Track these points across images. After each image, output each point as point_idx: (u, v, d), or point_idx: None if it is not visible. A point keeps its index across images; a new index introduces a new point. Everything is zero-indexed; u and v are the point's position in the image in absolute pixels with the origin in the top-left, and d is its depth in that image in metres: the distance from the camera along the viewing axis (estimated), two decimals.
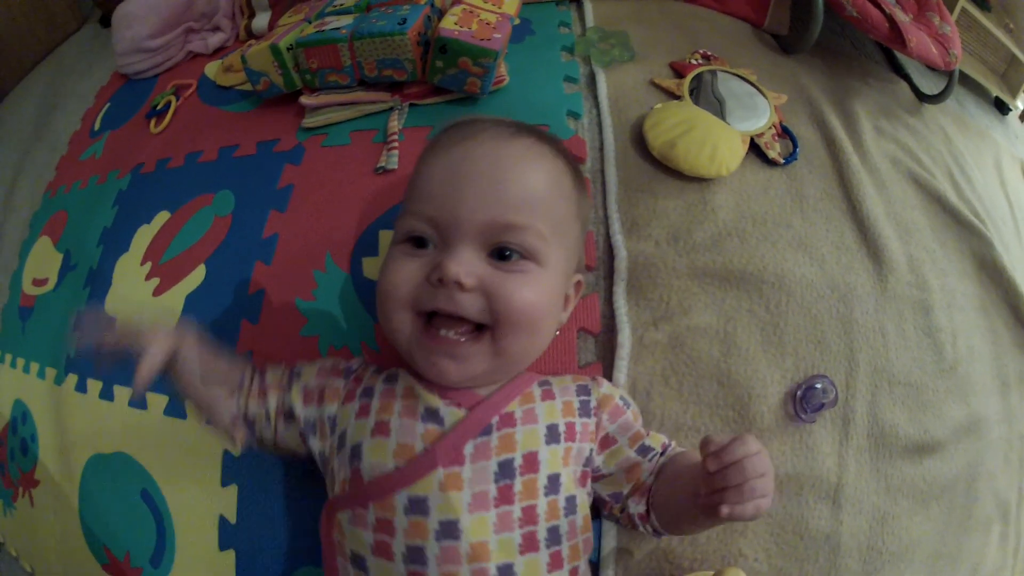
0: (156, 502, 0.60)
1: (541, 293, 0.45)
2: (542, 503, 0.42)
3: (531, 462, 0.43)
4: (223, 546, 0.56)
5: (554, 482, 0.43)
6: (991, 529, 0.69)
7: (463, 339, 0.44)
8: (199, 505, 0.58)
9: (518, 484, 0.42)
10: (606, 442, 0.48)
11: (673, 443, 0.50)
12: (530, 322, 0.44)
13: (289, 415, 0.49)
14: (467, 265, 0.43)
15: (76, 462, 0.68)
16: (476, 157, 0.45)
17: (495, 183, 0.44)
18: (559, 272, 0.47)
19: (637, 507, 0.47)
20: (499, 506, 0.41)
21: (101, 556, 0.63)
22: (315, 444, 0.48)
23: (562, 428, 0.46)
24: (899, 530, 0.60)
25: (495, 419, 0.44)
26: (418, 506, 0.41)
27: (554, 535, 0.42)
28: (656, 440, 0.49)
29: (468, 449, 0.42)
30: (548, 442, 0.44)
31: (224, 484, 0.57)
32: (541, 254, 0.44)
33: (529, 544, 0.41)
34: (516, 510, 0.41)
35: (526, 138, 0.48)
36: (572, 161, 0.51)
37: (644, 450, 0.48)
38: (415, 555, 0.40)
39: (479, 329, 0.44)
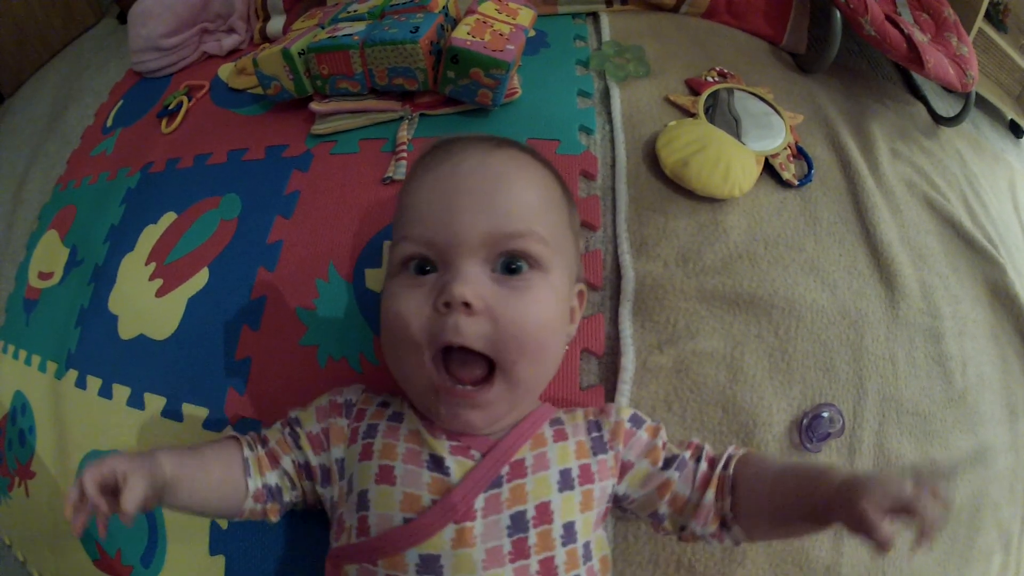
0: None
1: (548, 309, 0.43)
2: (560, 554, 0.41)
3: (544, 513, 0.41)
4: (213, 551, 0.55)
5: (570, 531, 0.42)
6: (992, 560, 0.68)
7: (477, 390, 0.42)
8: None
9: (532, 537, 0.40)
10: (625, 468, 0.46)
11: (706, 445, 0.48)
12: (539, 344, 0.43)
13: (308, 470, 0.47)
14: (473, 284, 0.41)
15: (72, 457, 0.67)
16: (463, 172, 0.44)
17: (486, 194, 0.43)
18: (563, 281, 0.46)
19: (705, 529, 0.44)
20: (515, 561, 0.40)
21: (93, 551, 0.63)
22: (327, 491, 0.47)
23: (576, 472, 0.44)
24: (900, 562, 0.59)
25: (505, 469, 0.42)
26: (430, 565, 0.39)
27: None
28: (677, 448, 0.47)
29: (479, 503, 0.41)
30: (561, 489, 0.42)
31: None
32: (545, 260, 0.43)
33: None
34: (533, 564, 0.40)
35: (508, 149, 0.47)
36: (556, 172, 0.50)
37: (668, 462, 0.46)
38: None
39: (490, 370, 0.42)
